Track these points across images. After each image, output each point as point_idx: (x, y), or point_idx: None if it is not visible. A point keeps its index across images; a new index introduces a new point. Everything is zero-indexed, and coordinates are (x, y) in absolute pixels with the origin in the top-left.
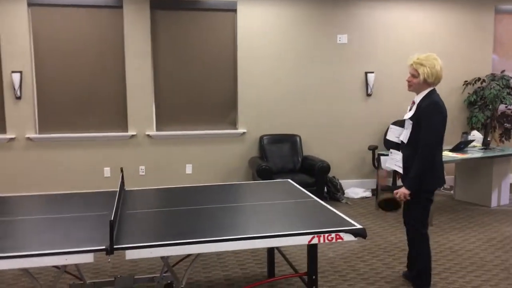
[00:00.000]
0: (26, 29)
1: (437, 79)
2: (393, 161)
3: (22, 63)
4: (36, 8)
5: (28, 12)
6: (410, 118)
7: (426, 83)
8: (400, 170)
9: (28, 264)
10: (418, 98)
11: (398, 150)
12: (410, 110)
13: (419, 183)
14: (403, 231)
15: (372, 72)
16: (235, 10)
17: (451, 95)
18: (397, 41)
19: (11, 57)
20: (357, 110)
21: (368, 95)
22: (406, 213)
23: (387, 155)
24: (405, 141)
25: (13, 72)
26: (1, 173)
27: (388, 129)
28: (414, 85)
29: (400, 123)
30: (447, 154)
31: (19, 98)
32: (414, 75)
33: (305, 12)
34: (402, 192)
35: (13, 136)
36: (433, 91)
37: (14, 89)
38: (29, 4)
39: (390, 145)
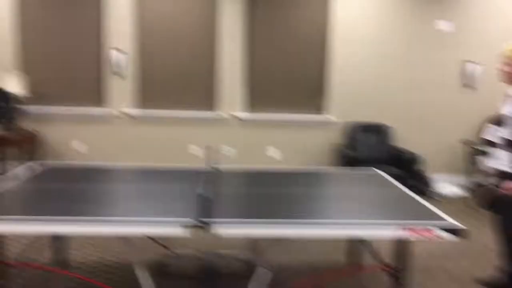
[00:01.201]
0: (128, 10)
1: None
2: (500, 160)
3: (125, 42)
4: None
5: None
6: None
7: None
8: (510, 170)
9: (125, 230)
10: None
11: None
12: (507, 105)
13: None
14: None
15: (473, 62)
16: None
17: None
18: (502, 30)
19: (116, 36)
20: (454, 101)
21: (467, 86)
22: (499, 217)
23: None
24: (511, 138)
25: (116, 49)
26: (104, 145)
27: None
28: (507, 74)
29: (496, 121)
30: None
31: (120, 75)
32: (509, 63)
33: None
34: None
35: (115, 111)
36: None
37: (117, 66)
38: None
39: (489, 144)
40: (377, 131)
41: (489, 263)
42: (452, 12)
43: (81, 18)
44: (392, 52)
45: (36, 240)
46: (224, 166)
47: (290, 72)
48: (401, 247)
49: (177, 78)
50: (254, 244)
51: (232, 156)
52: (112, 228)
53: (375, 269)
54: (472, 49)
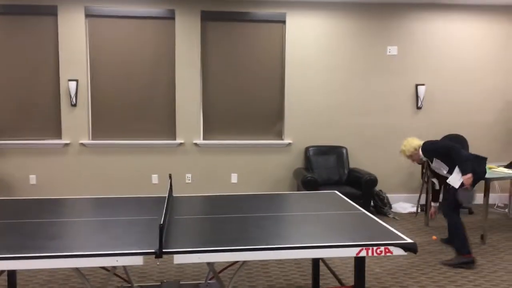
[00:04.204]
0: (83, 39)
1: (413, 146)
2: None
3: (78, 71)
4: (93, 19)
5: (85, 23)
6: (436, 161)
7: (412, 155)
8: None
9: (80, 264)
10: (422, 157)
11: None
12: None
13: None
14: (453, 249)
15: (423, 85)
16: (284, 22)
17: (507, 109)
18: (449, 53)
19: (68, 66)
20: (407, 122)
21: (418, 108)
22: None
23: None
24: (446, 171)
25: (69, 80)
26: (56, 177)
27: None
28: (414, 160)
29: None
30: (502, 170)
31: (74, 105)
32: (409, 157)
33: (354, 23)
34: (466, 178)
35: (68, 142)
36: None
37: (70, 96)
38: (87, 16)
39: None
40: (335, 154)
41: (446, 278)
42: (402, 38)
43: (37, 51)
44: (347, 77)
45: None
46: (183, 194)
47: (249, 99)
48: (360, 266)
49: (135, 107)
50: (215, 271)
51: (193, 182)
52: (68, 261)
53: None
54: (425, 73)
